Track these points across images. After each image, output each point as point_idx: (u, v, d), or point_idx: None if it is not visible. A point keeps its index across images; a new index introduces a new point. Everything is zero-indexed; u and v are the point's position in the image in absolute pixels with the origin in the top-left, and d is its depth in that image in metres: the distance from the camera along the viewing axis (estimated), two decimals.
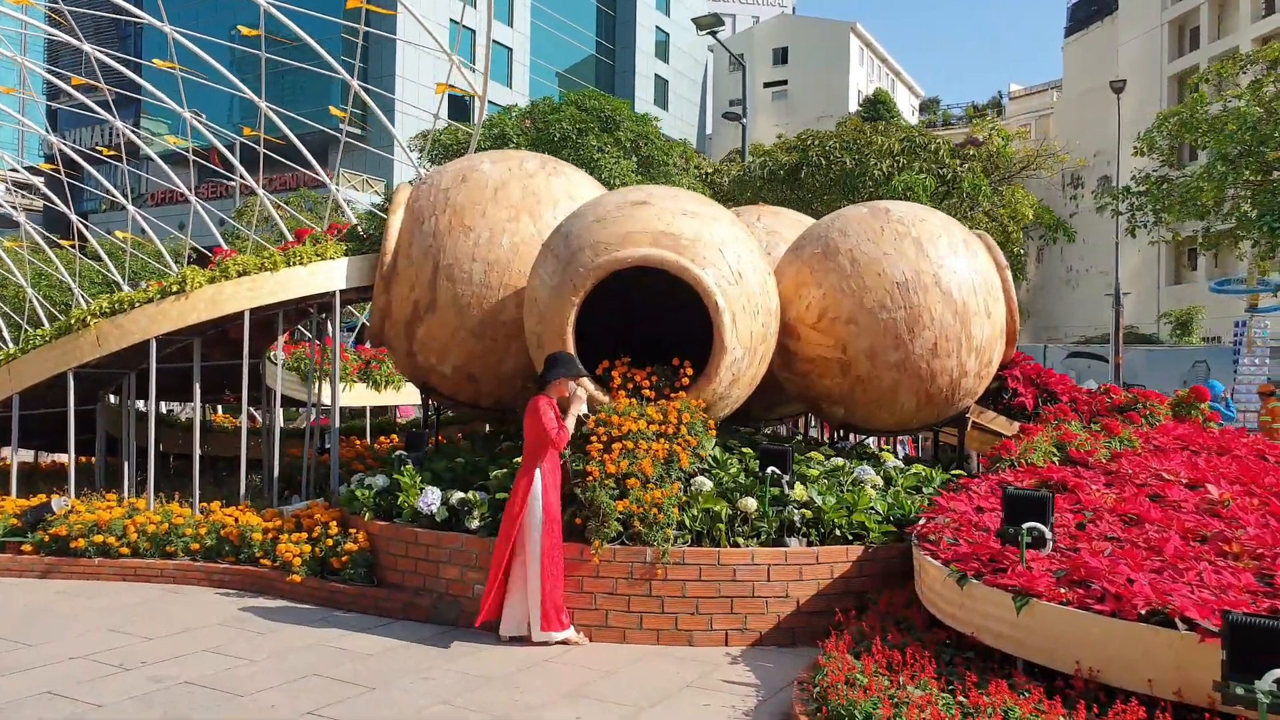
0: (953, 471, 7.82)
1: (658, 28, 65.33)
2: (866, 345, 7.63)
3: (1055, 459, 7.20)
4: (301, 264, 8.72)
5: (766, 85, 63.21)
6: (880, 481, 7.10)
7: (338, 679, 5.44)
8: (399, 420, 14.53)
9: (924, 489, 7.27)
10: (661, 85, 64.96)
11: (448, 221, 8.37)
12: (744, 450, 7.36)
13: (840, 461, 7.32)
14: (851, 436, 9.19)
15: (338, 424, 9.06)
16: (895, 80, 69.15)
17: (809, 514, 6.49)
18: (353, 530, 7.31)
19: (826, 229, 8.13)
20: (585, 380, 6.88)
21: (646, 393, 7.06)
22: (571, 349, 7.01)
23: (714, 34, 20.68)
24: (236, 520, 8.00)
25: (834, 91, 61.52)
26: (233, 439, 12.79)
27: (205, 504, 8.50)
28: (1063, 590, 4.54)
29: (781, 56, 64.15)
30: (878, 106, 47.97)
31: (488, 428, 12.28)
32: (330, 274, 8.86)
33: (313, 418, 16.46)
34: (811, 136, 22.91)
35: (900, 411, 7.93)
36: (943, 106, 67.05)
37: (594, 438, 6.63)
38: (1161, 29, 47.93)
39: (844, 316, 7.68)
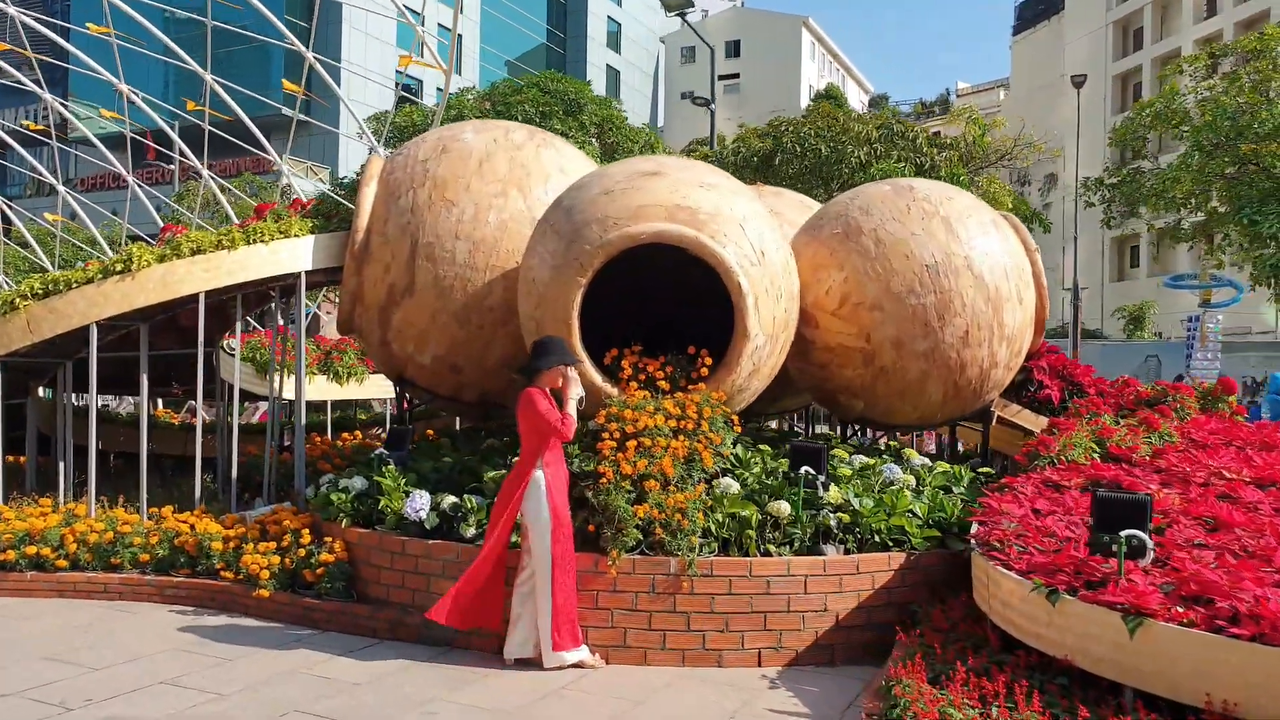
0: (980, 470, 7.27)
1: (609, 17, 64.52)
2: (892, 333, 7.02)
3: (1096, 455, 6.68)
4: (263, 241, 7.85)
5: (720, 78, 62.83)
6: (912, 481, 6.50)
7: (326, 716, 4.67)
8: (361, 416, 13.63)
9: (953, 488, 6.70)
10: (613, 76, 64.17)
11: (427, 196, 7.59)
12: (760, 448, 6.71)
13: (870, 460, 6.71)
14: (867, 432, 8.58)
15: (304, 419, 8.20)
16: (846, 75, 69.31)
17: (846, 518, 5.86)
18: (328, 539, 6.50)
19: (846, 207, 7.50)
20: (585, 365, 6.14)
21: (661, 384, 6.36)
22: (577, 335, 6.29)
23: (682, 15, 20.03)
24: (192, 528, 7.13)
25: (786, 85, 61.35)
26: (179, 436, 11.83)
27: (155, 509, 7.59)
28: (1179, 609, 3.96)
29: (734, 49, 63.81)
30: (829, 102, 47.83)
31: (458, 423, 11.54)
32: (295, 253, 8.00)
33: (262, 412, 15.46)
34: (785, 123, 22.34)
35: (925, 405, 7.34)
36: (891, 103, 67.33)
37: (605, 435, 5.92)
38: (1106, 29, 48.55)
39: (868, 302, 7.06)
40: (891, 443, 8.82)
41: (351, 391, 11.91)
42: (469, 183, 7.58)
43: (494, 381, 7.96)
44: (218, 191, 18.25)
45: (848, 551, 5.81)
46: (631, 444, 5.86)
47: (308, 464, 8.33)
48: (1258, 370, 22.26)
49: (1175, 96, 17.54)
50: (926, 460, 7.16)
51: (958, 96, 60.57)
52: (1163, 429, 7.06)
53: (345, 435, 10.90)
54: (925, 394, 7.24)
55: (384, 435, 12.78)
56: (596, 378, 6.32)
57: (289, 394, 9.21)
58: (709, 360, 6.42)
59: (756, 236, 6.45)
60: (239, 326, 8.38)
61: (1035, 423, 7.87)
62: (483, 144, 7.78)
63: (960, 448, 9.15)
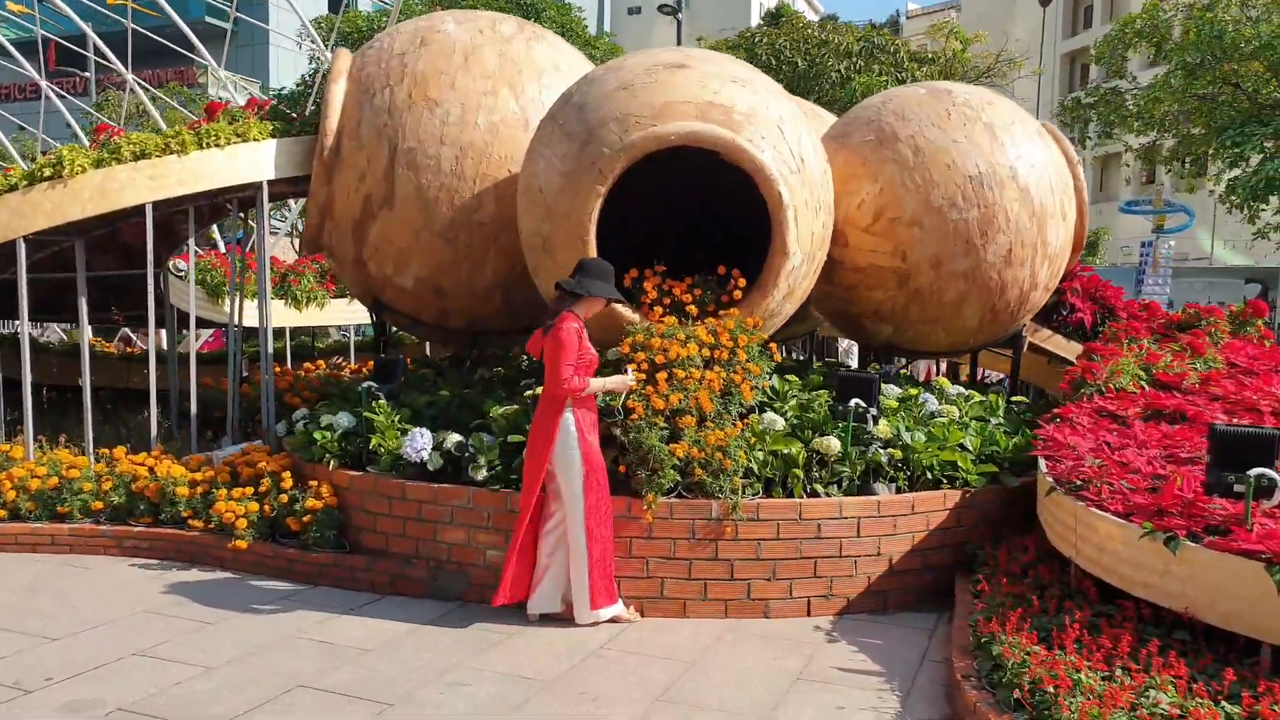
0: (1014, 399, 6.79)
1: None
2: (931, 252, 6.42)
3: (1144, 383, 6.22)
4: (218, 145, 6.91)
5: None
6: (955, 413, 5.98)
7: (337, 692, 4.02)
8: (319, 344, 12.70)
9: (990, 419, 6.20)
10: None
11: (406, 94, 6.71)
12: (788, 379, 6.11)
13: (913, 390, 6.16)
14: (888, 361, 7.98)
15: (270, 347, 7.37)
16: None
17: (897, 454, 5.32)
18: (313, 483, 5.77)
19: (878, 112, 6.82)
20: (626, 375, 5.18)
21: (690, 309, 5.69)
22: (593, 251, 5.57)
23: None
24: (152, 471, 6.32)
25: (735, 4, 59.71)
26: (119, 367, 10.85)
27: (103, 450, 6.75)
28: None
29: None
30: (779, 20, 46.58)
31: (427, 348, 10.75)
32: (255, 160, 7.08)
33: (204, 340, 14.41)
34: (760, 34, 21.23)
35: (960, 330, 6.80)
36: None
37: (632, 366, 5.26)
38: None
39: (906, 217, 6.43)
40: (903, 370, 8.32)
41: (311, 317, 11.01)
42: (454, 79, 6.72)
43: (484, 307, 7.21)
44: (146, 101, 16.76)
45: (899, 490, 5.28)
46: (661, 376, 5.20)
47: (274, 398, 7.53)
48: (1201, 296, 22.36)
49: (1157, 11, 17.06)
50: (961, 389, 6.64)
51: (908, 18, 59.59)
52: (1208, 354, 6.62)
53: (307, 365, 10.05)
54: (961, 318, 6.68)
55: (346, 364, 11.94)
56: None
57: (246, 321, 8.33)
58: (742, 282, 5.75)
59: (795, 140, 5.76)
60: (192, 244, 7.45)
61: (1067, 349, 7.40)
62: (467, 36, 6.90)
63: (960, 376, 8.70)
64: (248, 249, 10.90)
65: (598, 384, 4.91)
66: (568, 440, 4.79)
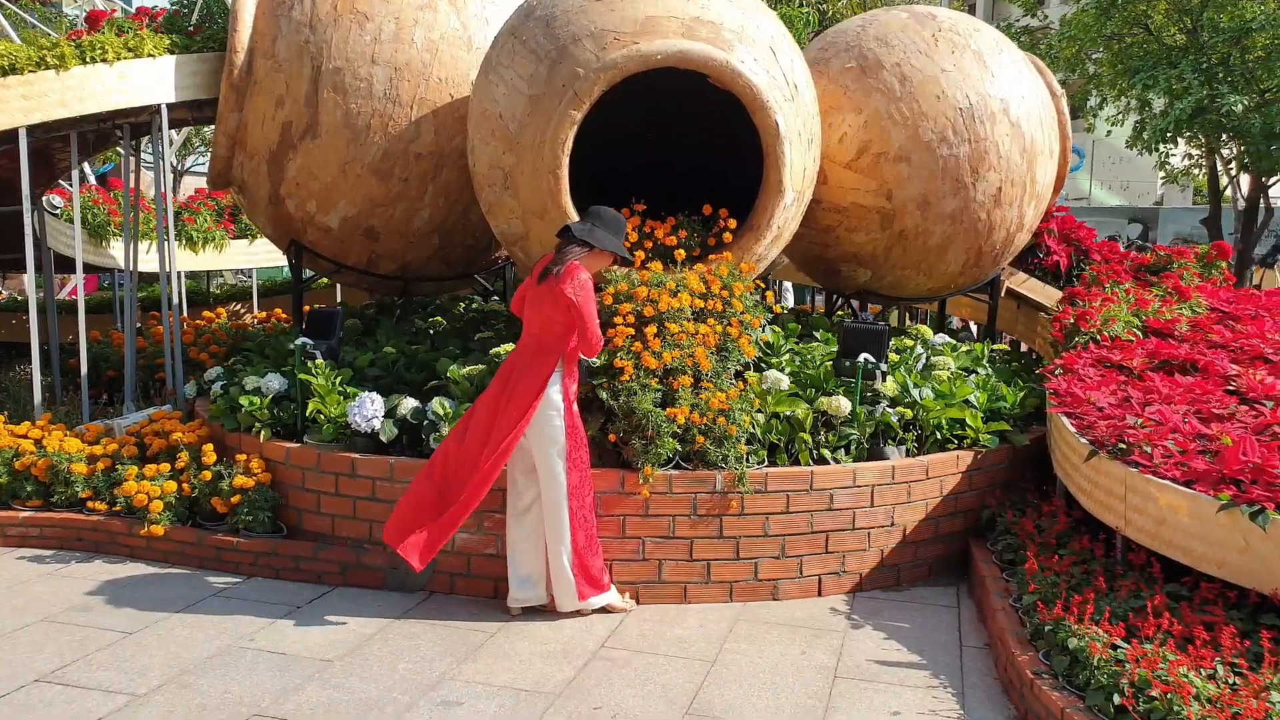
0: (994, 347, 6.44)
1: None
2: (918, 191, 5.93)
3: (1137, 329, 5.92)
4: (105, 60, 5.88)
5: None
6: (951, 364, 5.57)
7: None
8: (215, 291, 11.54)
9: (977, 370, 5.83)
10: None
11: (331, 6, 5.84)
12: (774, 329, 5.59)
13: (909, 341, 5.71)
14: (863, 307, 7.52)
15: (177, 296, 6.43)
16: None
17: (907, 413, 4.86)
18: (240, 457, 4.98)
19: (859, 37, 6.24)
20: None
21: (677, 254, 5.07)
22: (566, 190, 4.89)
23: None
24: (39, 444, 5.40)
25: None
26: None
27: None
28: None
29: None
30: None
31: (338, 291, 9.85)
32: (151, 79, 6.08)
33: (72, 287, 13.02)
34: None
35: (942, 275, 6.36)
36: None
37: (618, 319, 4.63)
38: None
39: (892, 153, 5.91)
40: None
41: (208, 261, 9.91)
42: None
43: (419, 250, 6.45)
44: None
45: (909, 453, 4.84)
46: (650, 330, 4.59)
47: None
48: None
49: None
50: (946, 338, 6.24)
51: None
52: (1194, 299, 6.38)
53: (206, 313, 9.03)
54: (945, 262, 6.24)
55: (246, 312, 10.89)
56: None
57: (127, 265, 7.29)
58: (732, 223, 5.16)
59: (788, 64, 5.15)
60: (76, 177, 6.40)
61: (1043, 294, 7.07)
62: None
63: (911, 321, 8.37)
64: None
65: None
66: (550, 412, 4.15)
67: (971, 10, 30.72)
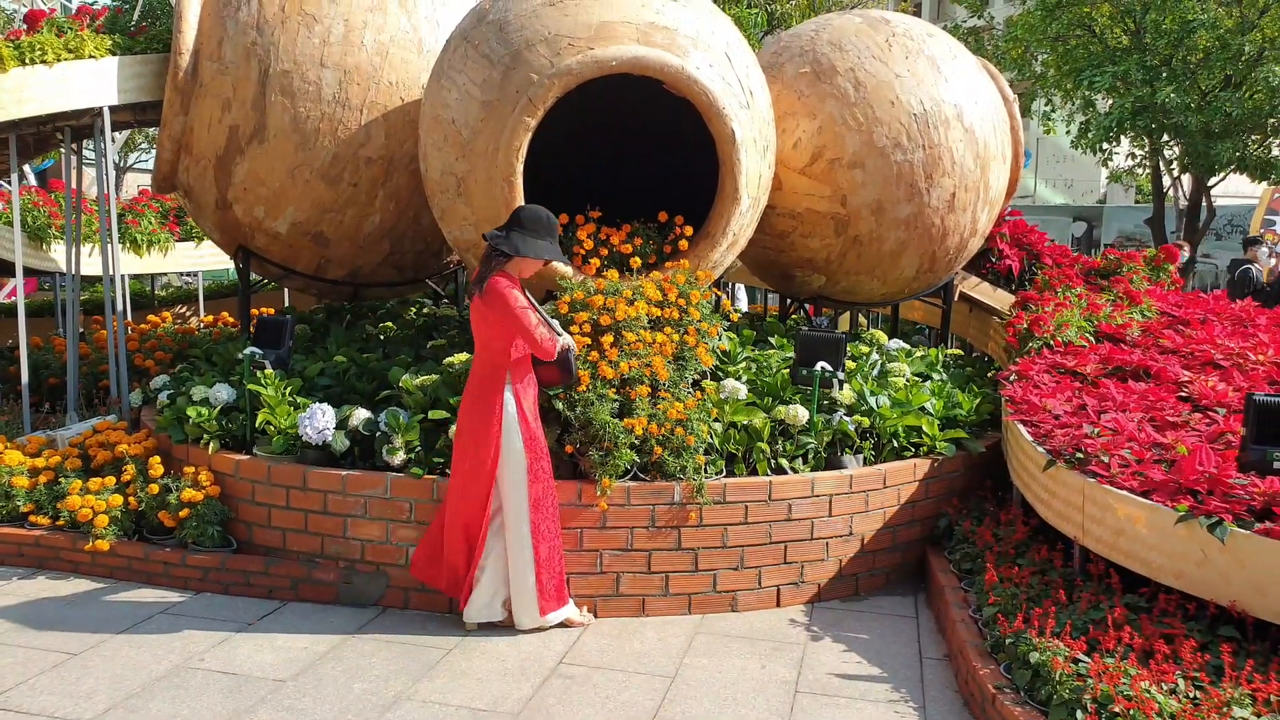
0: (948, 352, 6.50)
1: None
2: (873, 197, 5.95)
3: (1088, 334, 6.01)
4: (44, 62, 5.70)
5: None
6: (906, 371, 5.60)
7: None
8: (160, 293, 11.24)
9: (932, 375, 5.88)
10: None
11: (279, 8, 5.73)
12: (729, 335, 5.59)
13: (864, 348, 5.73)
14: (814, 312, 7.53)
15: (125, 302, 6.27)
16: None
17: (864, 421, 4.88)
18: (188, 469, 4.85)
19: (812, 41, 6.25)
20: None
21: (633, 262, 5.03)
22: (519, 193, 4.83)
23: None
24: None
25: None
26: None
27: None
28: None
29: None
30: None
31: (286, 296, 9.68)
32: (93, 80, 5.90)
33: (10, 289, 12.65)
34: None
35: (895, 280, 6.40)
36: None
37: (574, 328, 4.59)
38: None
39: (847, 158, 5.93)
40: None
41: (153, 264, 9.67)
42: None
43: (369, 256, 6.35)
44: None
45: (867, 462, 4.86)
46: (607, 340, 4.56)
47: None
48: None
49: None
50: (900, 343, 6.28)
51: None
52: (1145, 304, 6.49)
53: (152, 318, 8.81)
54: (899, 268, 6.28)
55: (192, 316, 10.67)
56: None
57: (70, 268, 7.08)
58: (688, 231, 5.14)
59: (744, 70, 5.14)
60: (15, 180, 6.19)
61: (994, 297, 7.15)
62: None
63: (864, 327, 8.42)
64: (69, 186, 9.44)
65: (570, 341, 4.27)
66: (506, 422, 4.10)
67: (918, 11, 31.02)
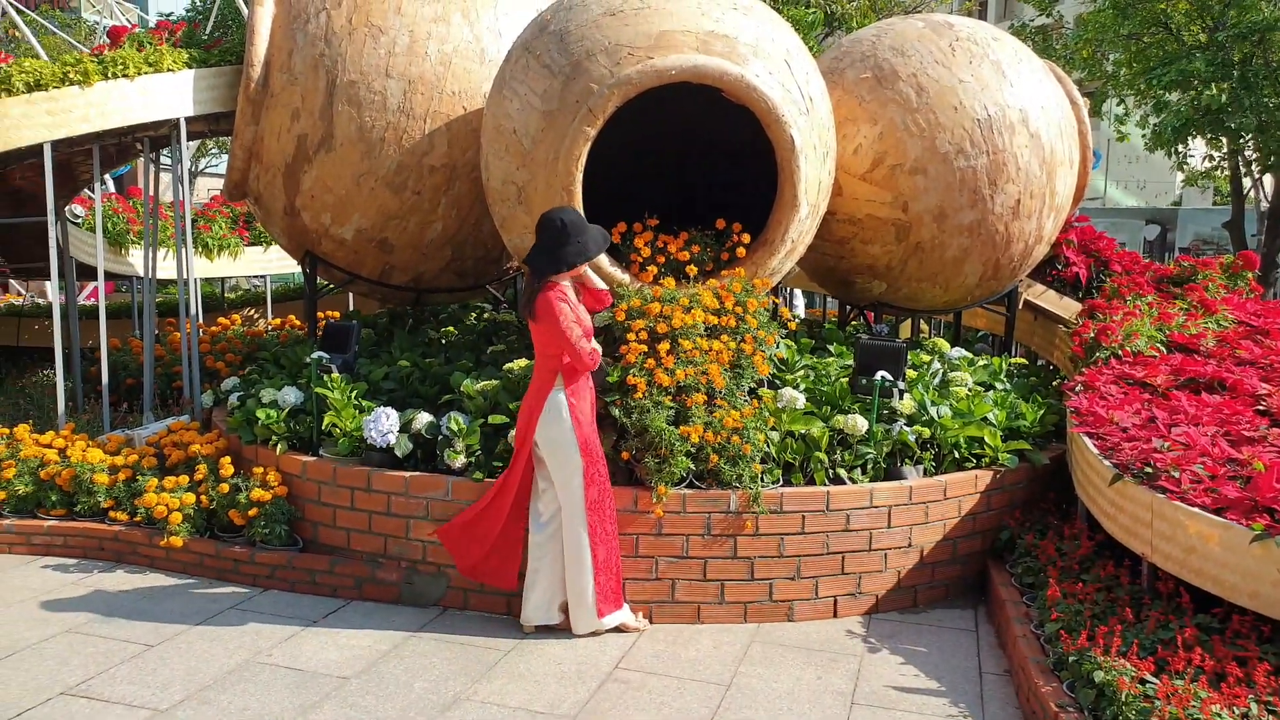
0: (1012, 361, 6.40)
1: None
2: (935, 203, 5.89)
3: (1160, 344, 5.86)
4: (126, 76, 5.93)
5: None
6: (969, 380, 5.53)
7: None
8: (230, 296, 11.59)
9: (995, 385, 5.80)
10: None
11: (346, 19, 5.86)
12: (787, 342, 5.58)
13: (925, 357, 5.69)
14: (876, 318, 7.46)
15: (197, 305, 6.48)
16: None
17: (925, 431, 4.84)
18: (257, 470, 5.01)
19: (873, 46, 6.21)
20: (601, 260, 4.76)
21: (690, 270, 5.06)
22: (579, 202, 4.88)
23: None
24: (63, 454, 5.46)
25: None
26: (10, 323, 9.70)
27: (4, 430, 5.83)
28: None
29: None
30: None
31: (351, 301, 9.87)
32: (171, 93, 6.13)
33: (91, 289, 13.10)
34: None
35: (958, 287, 6.32)
36: None
37: (630, 335, 4.63)
38: None
39: (909, 164, 5.88)
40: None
41: (223, 267, 9.98)
42: (400, 4, 5.91)
43: (431, 262, 6.47)
44: (22, 25, 14.98)
45: (927, 473, 4.82)
46: (663, 346, 4.59)
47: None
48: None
49: None
50: (963, 351, 6.20)
51: None
52: (1221, 313, 6.31)
53: (222, 320, 9.08)
54: (961, 275, 6.21)
55: (260, 318, 10.95)
56: (604, 262, 4.94)
57: (147, 273, 7.33)
58: (745, 238, 5.15)
59: (804, 77, 5.14)
60: (98, 188, 6.44)
61: (1060, 306, 7.01)
62: None
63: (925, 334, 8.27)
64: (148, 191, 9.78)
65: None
66: (561, 425, 4.16)
67: (983, 10, 30.42)
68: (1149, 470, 4.04)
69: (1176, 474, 3.90)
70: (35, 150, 5.78)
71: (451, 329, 6.81)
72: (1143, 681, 3.16)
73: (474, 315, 7.40)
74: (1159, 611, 3.66)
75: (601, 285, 4.48)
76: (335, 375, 5.08)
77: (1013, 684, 3.86)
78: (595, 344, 4.26)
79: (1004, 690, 3.82)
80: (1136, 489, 3.97)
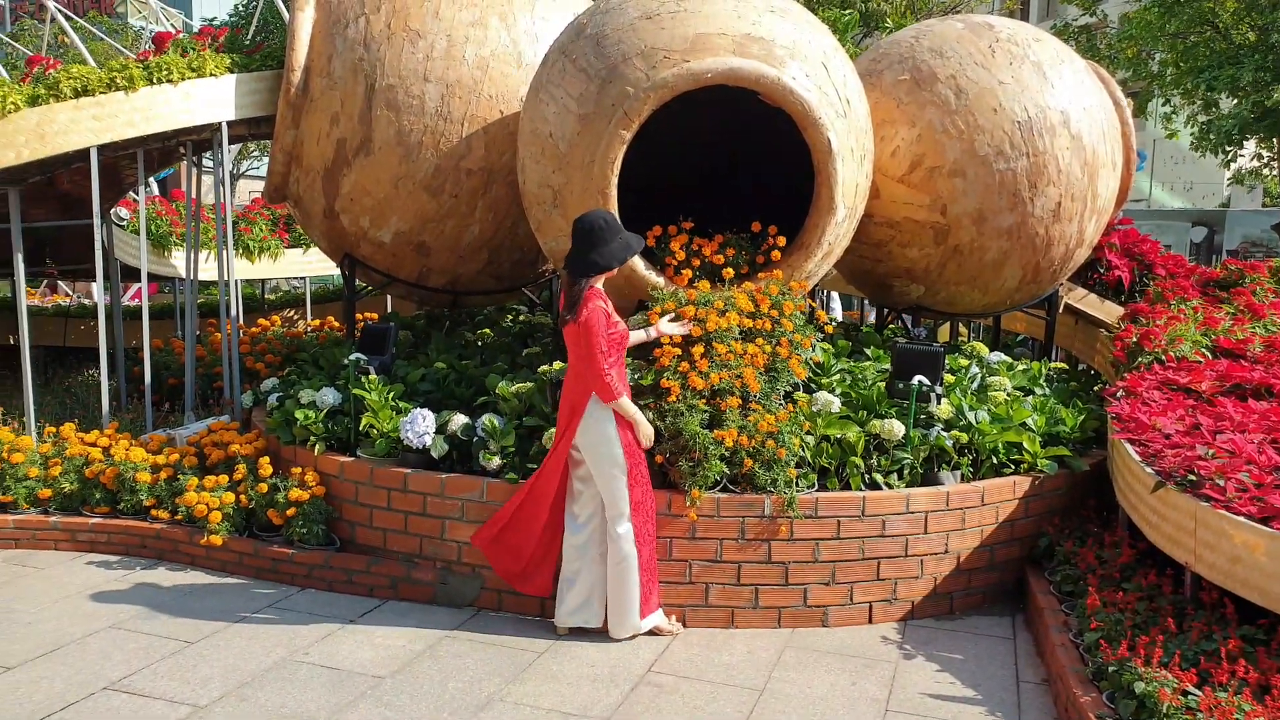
0: (1051, 365, 6.31)
1: None
2: (974, 205, 5.83)
3: (1205, 349, 5.75)
4: (170, 81, 6.03)
5: None
6: (1008, 384, 5.46)
7: None
8: (270, 297, 11.76)
9: (1034, 390, 5.72)
10: None
11: (384, 24, 5.90)
12: (824, 346, 5.54)
13: (964, 361, 5.63)
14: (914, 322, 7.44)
15: (238, 306, 6.57)
16: None
17: (962, 437, 4.78)
18: (295, 470, 5.07)
19: (912, 48, 6.16)
20: (636, 263, 4.75)
21: (725, 273, 5.05)
22: (614, 208, 4.88)
23: None
24: (107, 453, 5.56)
25: None
26: (57, 324, 9.90)
27: (50, 427, 5.96)
28: None
29: None
30: None
31: (388, 303, 9.96)
32: (213, 98, 6.22)
33: (135, 290, 13.33)
34: None
35: (998, 291, 6.25)
36: None
37: (665, 338, 4.62)
38: None
39: (947, 167, 5.82)
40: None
41: (264, 269, 10.12)
42: (438, 7, 5.93)
43: (468, 265, 6.50)
44: (70, 31, 15.34)
45: (964, 478, 4.77)
46: (698, 350, 4.58)
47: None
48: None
49: None
50: (1002, 355, 6.13)
51: None
52: (1269, 317, 6.18)
53: (262, 321, 9.21)
54: (1000, 278, 6.13)
55: (299, 319, 11.09)
56: (639, 265, 4.94)
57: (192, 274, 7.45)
58: (781, 240, 5.13)
59: (841, 79, 5.10)
60: (142, 191, 6.56)
61: (1102, 310, 6.91)
62: None
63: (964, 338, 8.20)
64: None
65: (631, 410, 4.19)
66: (604, 428, 4.16)
67: (1024, 9, 30.04)
68: (1192, 478, 3.96)
69: (1221, 482, 3.82)
70: (82, 155, 5.89)
71: (488, 331, 6.85)
72: (1185, 693, 3.10)
73: (510, 317, 7.43)
74: (1202, 622, 3.60)
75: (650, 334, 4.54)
76: (373, 377, 5.13)
77: (1050, 693, 3.80)
78: (617, 377, 4.16)
79: (1042, 699, 3.76)
80: (1179, 497, 3.90)
